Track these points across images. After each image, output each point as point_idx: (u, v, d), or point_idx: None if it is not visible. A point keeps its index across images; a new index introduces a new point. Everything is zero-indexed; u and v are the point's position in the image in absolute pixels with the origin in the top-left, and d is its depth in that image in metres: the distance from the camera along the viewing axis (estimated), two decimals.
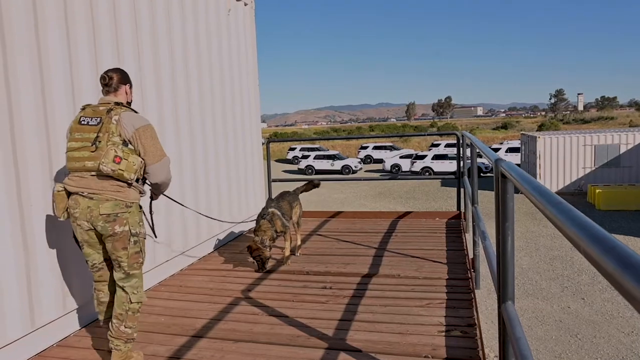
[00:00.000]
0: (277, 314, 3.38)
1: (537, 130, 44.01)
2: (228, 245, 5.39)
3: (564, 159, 20.01)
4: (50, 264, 3.06)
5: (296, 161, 38.68)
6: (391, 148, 39.75)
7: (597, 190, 17.65)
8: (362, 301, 3.53)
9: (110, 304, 2.83)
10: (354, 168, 33.02)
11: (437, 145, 36.96)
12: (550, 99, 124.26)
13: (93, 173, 2.60)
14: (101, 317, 2.87)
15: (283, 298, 3.68)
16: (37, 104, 2.97)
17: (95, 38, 3.49)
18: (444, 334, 2.93)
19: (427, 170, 29.31)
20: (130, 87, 2.91)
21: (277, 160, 42.12)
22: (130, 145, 2.67)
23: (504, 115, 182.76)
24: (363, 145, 41.24)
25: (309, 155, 35.06)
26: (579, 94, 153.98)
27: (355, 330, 3.04)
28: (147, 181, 2.84)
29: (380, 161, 35.46)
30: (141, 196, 2.79)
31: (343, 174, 32.50)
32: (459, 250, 4.79)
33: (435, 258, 4.53)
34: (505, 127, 74.75)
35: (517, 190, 1.84)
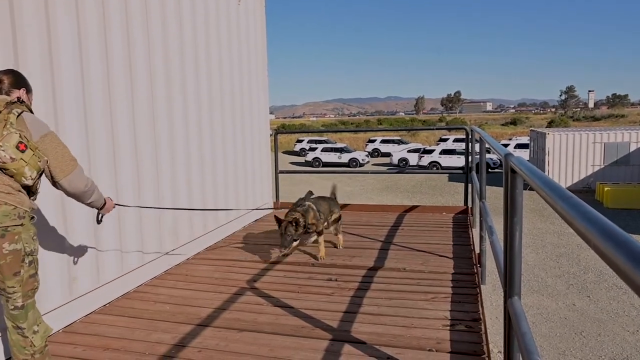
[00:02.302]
0: (282, 304, 3.39)
1: (546, 127, 43.67)
2: (234, 235, 5.40)
3: (573, 156, 19.86)
4: (57, 250, 3.08)
5: (303, 153, 38.67)
6: (399, 142, 39.63)
7: (606, 189, 17.51)
8: (367, 294, 3.53)
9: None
10: (361, 161, 32.98)
11: (445, 140, 36.80)
12: (560, 96, 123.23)
13: None
14: None
15: (288, 289, 3.69)
16: (46, 94, 2.98)
17: (106, 31, 3.48)
18: (448, 328, 2.92)
19: (434, 164, 29.22)
20: (28, 92, 2.42)
21: (284, 152, 42.12)
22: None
23: (514, 111, 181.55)
24: (371, 139, 41.14)
25: (317, 148, 35.05)
26: (589, 91, 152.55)
27: (359, 322, 3.04)
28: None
29: (388, 155, 35.37)
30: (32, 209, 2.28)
31: (350, 167, 32.46)
32: (465, 245, 4.78)
33: (442, 252, 4.52)
34: (514, 123, 74.23)
35: (525, 186, 1.82)
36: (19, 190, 2.19)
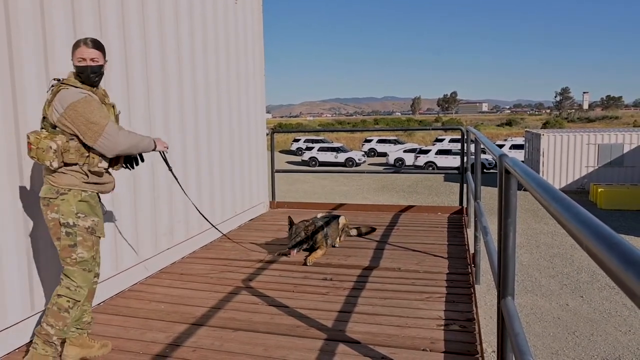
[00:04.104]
0: (277, 304, 3.39)
1: (541, 128, 43.84)
2: (230, 234, 5.40)
3: (567, 157, 19.97)
4: (52, 248, 3.07)
5: (300, 152, 38.66)
6: (395, 142, 39.68)
7: (600, 190, 17.62)
8: (362, 293, 3.54)
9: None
10: (357, 161, 33.00)
11: (441, 140, 36.88)
12: (555, 97, 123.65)
13: None
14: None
15: (283, 288, 3.70)
16: (41, 91, 2.97)
17: (102, 28, 3.47)
18: (442, 327, 2.94)
19: (430, 164, 29.28)
20: (72, 57, 2.55)
21: (280, 151, 42.11)
22: (57, 128, 2.43)
23: (509, 111, 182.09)
24: (367, 139, 41.17)
25: (313, 147, 35.06)
26: (584, 92, 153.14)
27: (354, 322, 3.05)
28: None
29: (384, 155, 35.43)
30: (87, 181, 2.51)
31: (347, 167, 32.48)
32: (460, 245, 4.79)
33: (437, 252, 4.53)
34: (509, 123, 74.46)
35: (519, 187, 1.83)
36: (57, 172, 2.45)
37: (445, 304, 3.31)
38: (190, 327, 3.04)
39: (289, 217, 4.64)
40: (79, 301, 2.52)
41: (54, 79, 2.53)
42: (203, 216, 4.12)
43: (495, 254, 2.48)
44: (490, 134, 49.37)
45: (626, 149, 19.55)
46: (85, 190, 2.52)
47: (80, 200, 2.50)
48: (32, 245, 2.91)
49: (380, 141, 40.04)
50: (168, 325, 3.08)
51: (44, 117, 2.48)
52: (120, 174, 3.70)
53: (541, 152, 20.03)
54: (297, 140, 42.61)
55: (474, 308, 3.21)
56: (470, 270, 3.99)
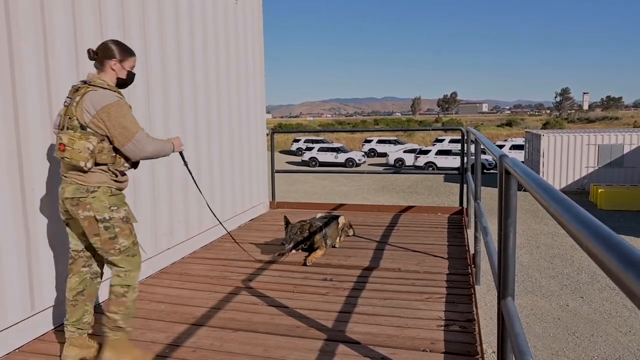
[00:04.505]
0: (277, 304, 3.39)
1: (541, 129, 43.85)
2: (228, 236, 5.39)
3: (567, 157, 19.98)
4: (52, 248, 3.08)
5: (300, 153, 38.67)
6: (395, 142, 39.69)
7: (600, 190, 17.62)
8: (362, 294, 3.54)
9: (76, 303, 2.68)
10: (357, 161, 33.01)
11: (441, 141, 36.89)
12: (555, 98, 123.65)
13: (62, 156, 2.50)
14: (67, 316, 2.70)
15: (283, 289, 3.70)
16: (41, 89, 2.97)
17: (102, 28, 3.47)
18: (442, 328, 2.93)
19: (430, 165, 29.29)
20: (120, 61, 2.62)
21: (280, 152, 42.12)
22: (89, 129, 2.46)
23: (509, 112, 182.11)
24: (367, 139, 41.19)
25: (313, 147, 35.08)
26: (584, 93, 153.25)
27: (354, 322, 3.05)
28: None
29: (384, 155, 35.44)
30: (114, 179, 2.59)
31: (347, 167, 32.49)
32: (460, 245, 4.79)
33: (437, 253, 4.53)
34: (509, 124, 74.47)
35: (519, 187, 1.83)
36: (89, 171, 2.49)
37: (445, 304, 3.30)
38: (190, 328, 3.04)
39: (285, 216, 4.65)
40: (131, 285, 2.62)
41: (81, 81, 2.58)
42: (213, 213, 4.03)
43: (495, 254, 2.48)
44: (490, 135, 49.38)
45: (626, 150, 19.55)
46: (112, 187, 2.60)
47: (110, 195, 2.57)
48: (32, 245, 2.91)
49: (380, 141, 40.06)
50: (168, 326, 3.08)
51: (69, 118, 2.48)
52: None
53: (541, 153, 20.03)
54: (297, 141, 42.63)
55: (474, 309, 3.21)
56: (470, 271, 3.99)
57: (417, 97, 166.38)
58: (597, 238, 0.88)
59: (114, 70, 2.62)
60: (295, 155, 40.02)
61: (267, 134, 7.04)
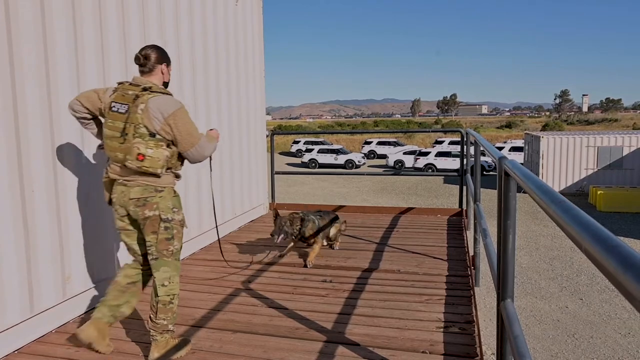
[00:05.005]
0: (277, 305, 3.39)
1: (541, 130, 43.86)
2: (230, 236, 5.40)
3: (566, 159, 19.99)
4: (51, 251, 3.08)
5: (300, 154, 38.66)
6: (395, 144, 39.70)
7: (599, 192, 17.63)
8: (361, 295, 3.54)
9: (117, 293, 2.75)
10: (357, 163, 33.02)
11: (441, 142, 36.88)
12: (555, 100, 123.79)
13: (123, 164, 2.55)
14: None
15: (283, 290, 3.69)
16: (42, 92, 2.98)
17: (102, 28, 3.48)
18: (442, 330, 2.93)
19: (430, 167, 29.29)
20: (168, 65, 2.74)
21: (280, 153, 42.12)
22: (158, 136, 2.54)
23: (509, 114, 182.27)
24: (367, 140, 41.19)
25: (313, 149, 35.07)
26: (583, 95, 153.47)
27: (354, 324, 3.05)
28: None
29: (384, 157, 35.44)
30: (177, 180, 2.73)
31: (346, 169, 32.48)
32: (459, 247, 4.79)
33: (436, 254, 4.53)
34: (509, 126, 74.54)
35: (519, 189, 1.84)
36: (159, 174, 2.58)
37: (444, 306, 3.30)
38: (190, 329, 3.04)
39: (275, 209, 4.58)
40: (177, 293, 2.70)
41: (130, 84, 2.61)
42: (215, 215, 4.02)
43: (494, 256, 2.48)
44: (490, 136, 49.42)
45: (625, 152, 19.57)
46: (174, 188, 2.71)
47: (173, 196, 2.69)
48: (31, 246, 2.91)
49: (380, 143, 40.07)
50: None
51: (135, 125, 2.50)
52: None
53: (541, 155, 20.04)
54: (297, 142, 42.64)
55: (474, 310, 3.21)
56: (469, 273, 3.99)
57: (416, 98, 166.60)
58: (596, 240, 0.89)
59: (162, 74, 2.71)
60: (295, 156, 40.03)
61: (267, 136, 7.05)
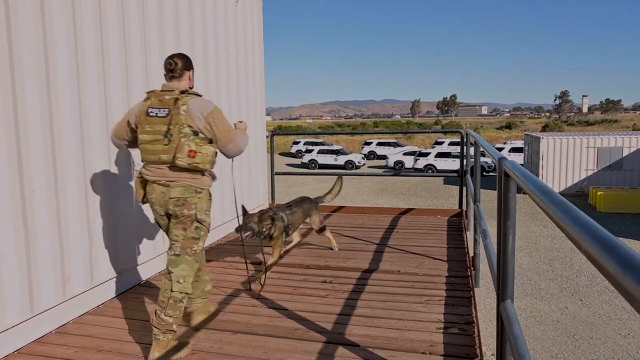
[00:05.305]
0: (277, 306, 3.39)
1: (541, 131, 43.87)
2: (229, 237, 5.40)
3: (566, 160, 19.99)
4: (51, 251, 3.07)
5: (300, 155, 38.66)
6: (395, 144, 39.70)
7: (599, 193, 17.63)
8: (361, 296, 3.54)
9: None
10: (357, 163, 33.01)
11: (441, 143, 36.88)
12: (555, 100, 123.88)
13: (169, 165, 2.66)
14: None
15: (282, 291, 3.69)
16: (42, 92, 2.98)
17: (102, 29, 3.48)
18: (442, 330, 2.93)
19: (430, 167, 29.29)
20: (193, 71, 2.89)
21: (280, 154, 42.11)
22: (201, 134, 2.70)
23: (509, 115, 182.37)
24: (367, 141, 41.18)
25: (313, 150, 35.06)
26: (583, 96, 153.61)
27: (354, 324, 3.05)
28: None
29: (384, 157, 35.43)
30: (213, 181, 2.85)
31: (346, 169, 32.48)
32: (459, 248, 4.79)
33: (436, 255, 4.53)
34: (509, 126, 74.57)
35: (519, 190, 1.84)
36: (202, 175, 2.74)
37: (444, 306, 3.30)
38: (189, 330, 3.03)
39: (242, 205, 4.22)
40: (189, 293, 2.77)
41: (177, 90, 2.73)
42: (237, 212, 3.88)
43: (494, 257, 2.48)
44: (489, 137, 49.42)
45: (625, 153, 19.56)
46: (210, 191, 2.85)
47: (209, 199, 2.83)
48: (31, 247, 2.91)
49: (380, 144, 40.05)
50: None
51: (179, 126, 2.64)
52: (119, 177, 3.70)
53: (541, 155, 20.04)
54: (296, 143, 42.62)
55: (474, 311, 3.21)
56: (469, 273, 3.99)
57: (416, 99, 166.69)
58: (596, 241, 0.89)
59: (190, 79, 2.86)
60: (295, 157, 40.02)
61: (267, 136, 7.04)
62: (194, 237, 2.75)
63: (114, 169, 3.63)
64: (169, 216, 2.77)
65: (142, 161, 2.76)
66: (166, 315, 2.65)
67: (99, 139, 3.46)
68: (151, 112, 2.68)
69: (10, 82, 2.76)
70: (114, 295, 3.63)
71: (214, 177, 2.84)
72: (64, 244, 3.16)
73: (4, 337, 2.74)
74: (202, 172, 2.72)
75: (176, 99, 2.66)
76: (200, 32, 4.87)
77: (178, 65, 2.76)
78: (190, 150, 2.61)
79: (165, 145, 2.64)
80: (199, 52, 4.85)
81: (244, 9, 5.94)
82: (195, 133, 2.67)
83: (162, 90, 2.75)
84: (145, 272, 4.03)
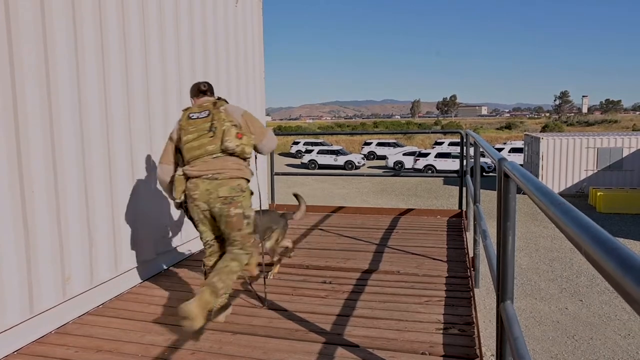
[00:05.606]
0: (276, 307, 3.39)
1: (540, 132, 43.88)
2: None
3: (566, 160, 19.99)
4: (51, 251, 3.07)
5: (299, 155, 38.65)
6: (395, 145, 39.69)
7: (599, 193, 17.63)
8: (361, 297, 3.54)
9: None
10: (357, 164, 33.01)
11: (440, 144, 36.89)
12: (554, 101, 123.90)
13: (215, 155, 2.95)
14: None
15: (282, 291, 3.69)
16: (42, 92, 2.98)
17: (102, 29, 3.48)
18: (442, 331, 2.93)
19: (430, 168, 29.29)
20: None
21: (280, 154, 42.10)
22: (242, 128, 3.05)
23: (508, 115, 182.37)
24: (367, 141, 41.18)
25: (313, 150, 35.05)
26: (583, 96, 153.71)
27: (353, 325, 3.05)
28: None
29: (384, 158, 35.43)
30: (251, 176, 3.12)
31: (346, 170, 32.48)
32: (459, 248, 4.79)
33: (436, 256, 4.53)
34: (509, 127, 74.60)
35: (519, 190, 1.84)
36: (246, 166, 3.07)
37: (444, 307, 3.30)
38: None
39: None
40: (241, 270, 3.09)
41: (213, 99, 3.15)
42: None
43: (494, 257, 2.48)
44: (489, 137, 49.44)
45: (625, 153, 19.57)
46: (250, 189, 3.14)
47: (251, 195, 3.13)
48: (31, 247, 2.91)
49: (379, 144, 40.05)
50: (167, 328, 3.08)
51: (220, 121, 2.99)
52: (120, 178, 3.70)
53: (540, 156, 20.04)
54: (296, 143, 42.62)
55: (473, 312, 3.21)
56: (469, 274, 3.99)
57: (416, 99, 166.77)
58: (595, 242, 0.89)
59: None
60: (295, 157, 40.02)
61: None
62: (249, 232, 3.08)
63: (114, 169, 3.63)
64: (211, 214, 3.01)
65: (187, 161, 3.00)
66: (218, 280, 2.88)
67: (99, 139, 3.46)
68: (192, 115, 3.03)
69: (10, 82, 2.76)
70: (114, 296, 3.63)
71: (252, 173, 3.11)
72: (64, 244, 3.15)
73: (4, 337, 2.74)
74: (245, 159, 3.03)
75: (214, 103, 3.08)
76: (200, 32, 4.87)
77: (208, 87, 3.20)
78: (237, 132, 2.96)
79: (211, 137, 2.95)
80: (199, 52, 4.85)
81: (244, 9, 5.94)
82: (235, 126, 3.00)
83: (199, 105, 3.11)
84: (145, 272, 4.03)
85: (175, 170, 3.13)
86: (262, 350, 2.75)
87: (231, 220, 2.97)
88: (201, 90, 3.20)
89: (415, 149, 36.13)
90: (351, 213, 6.70)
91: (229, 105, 3.13)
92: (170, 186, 3.15)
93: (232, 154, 3.00)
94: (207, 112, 3.01)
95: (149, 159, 4.06)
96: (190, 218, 3.14)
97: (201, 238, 3.18)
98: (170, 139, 3.16)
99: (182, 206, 3.16)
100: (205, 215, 3.03)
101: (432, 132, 8.10)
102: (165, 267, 4.30)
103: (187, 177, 2.99)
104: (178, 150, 3.14)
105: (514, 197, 1.91)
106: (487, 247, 2.97)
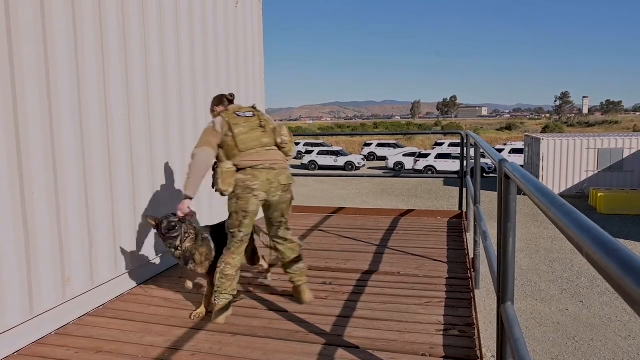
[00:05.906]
0: (276, 308, 3.38)
1: (541, 132, 43.87)
2: None
3: (567, 161, 19.97)
4: (51, 252, 3.07)
5: (299, 156, 38.67)
6: (395, 146, 39.68)
7: (599, 194, 17.61)
8: (361, 298, 3.53)
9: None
10: (357, 165, 33.00)
11: (440, 144, 36.89)
12: (555, 102, 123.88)
13: (268, 147, 3.17)
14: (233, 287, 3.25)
15: (282, 293, 3.69)
16: (42, 92, 2.97)
17: (102, 29, 3.48)
18: (442, 332, 2.93)
19: (430, 169, 29.28)
20: None
21: None
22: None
23: (509, 116, 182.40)
24: (367, 142, 41.17)
25: (313, 151, 35.03)
26: (584, 97, 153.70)
27: (353, 326, 3.04)
28: None
29: (384, 158, 35.42)
30: None
31: (346, 170, 32.48)
32: (459, 249, 4.79)
33: (436, 257, 4.53)
34: (509, 128, 74.61)
35: (519, 191, 1.83)
36: (288, 160, 3.33)
37: (444, 308, 3.30)
38: (189, 331, 3.03)
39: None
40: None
41: (239, 112, 3.30)
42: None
43: (494, 258, 2.47)
44: (490, 138, 49.44)
45: (626, 154, 19.55)
46: None
47: None
48: (31, 248, 2.91)
49: (379, 145, 40.05)
50: (167, 329, 3.07)
51: (266, 121, 3.28)
52: (120, 178, 3.70)
53: (541, 157, 20.03)
54: (296, 144, 42.54)
55: (474, 313, 3.21)
56: (469, 275, 3.98)
57: (416, 100, 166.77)
58: (596, 244, 0.88)
59: None
60: (295, 158, 39.99)
61: None
62: (291, 212, 3.42)
63: (114, 169, 3.63)
64: (265, 204, 3.22)
65: (241, 151, 3.09)
66: (303, 263, 3.41)
67: (99, 139, 3.46)
68: (239, 114, 3.21)
69: (10, 82, 2.76)
70: (114, 297, 3.63)
71: None
72: (64, 245, 3.15)
73: (4, 338, 2.74)
74: (288, 154, 3.31)
75: (254, 106, 3.38)
76: (200, 33, 4.87)
77: (234, 97, 3.48)
78: (289, 129, 3.28)
79: (263, 132, 3.19)
80: (199, 53, 4.85)
81: (244, 10, 5.94)
82: (274, 129, 3.28)
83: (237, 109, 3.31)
84: (146, 273, 4.02)
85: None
86: (262, 351, 2.75)
87: (287, 206, 3.30)
88: (229, 99, 3.45)
89: (415, 149, 36.13)
90: (351, 214, 6.70)
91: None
92: (213, 176, 3.21)
93: (280, 149, 3.26)
94: (251, 113, 3.26)
95: (149, 159, 4.06)
96: (231, 213, 3.14)
97: (238, 234, 3.16)
98: (215, 130, 3.14)
99: (232, 196, 3.13)
100: (259, 206, 3.18)
101: (432, 133, 8.10)
102: (165, 268, 4.30)
103: (238, 169, 3.09)
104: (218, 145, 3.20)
105: (515, 198, 1.90)
106: (488, 248, 2.96)
